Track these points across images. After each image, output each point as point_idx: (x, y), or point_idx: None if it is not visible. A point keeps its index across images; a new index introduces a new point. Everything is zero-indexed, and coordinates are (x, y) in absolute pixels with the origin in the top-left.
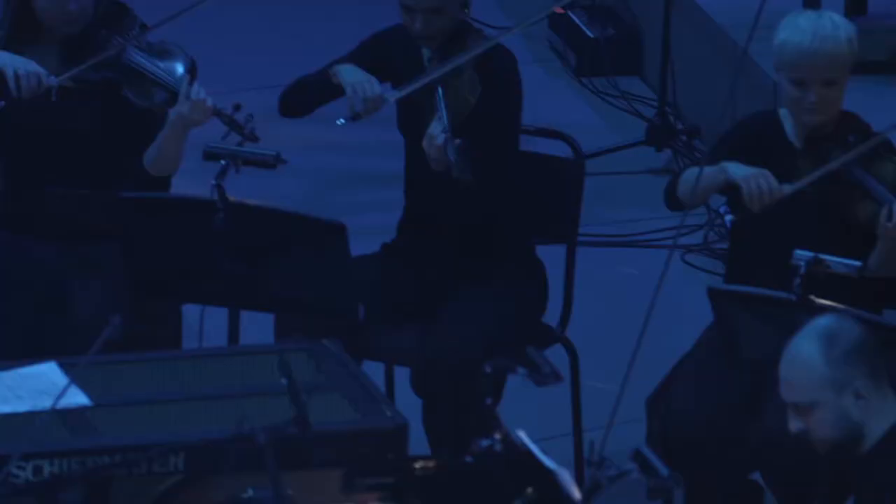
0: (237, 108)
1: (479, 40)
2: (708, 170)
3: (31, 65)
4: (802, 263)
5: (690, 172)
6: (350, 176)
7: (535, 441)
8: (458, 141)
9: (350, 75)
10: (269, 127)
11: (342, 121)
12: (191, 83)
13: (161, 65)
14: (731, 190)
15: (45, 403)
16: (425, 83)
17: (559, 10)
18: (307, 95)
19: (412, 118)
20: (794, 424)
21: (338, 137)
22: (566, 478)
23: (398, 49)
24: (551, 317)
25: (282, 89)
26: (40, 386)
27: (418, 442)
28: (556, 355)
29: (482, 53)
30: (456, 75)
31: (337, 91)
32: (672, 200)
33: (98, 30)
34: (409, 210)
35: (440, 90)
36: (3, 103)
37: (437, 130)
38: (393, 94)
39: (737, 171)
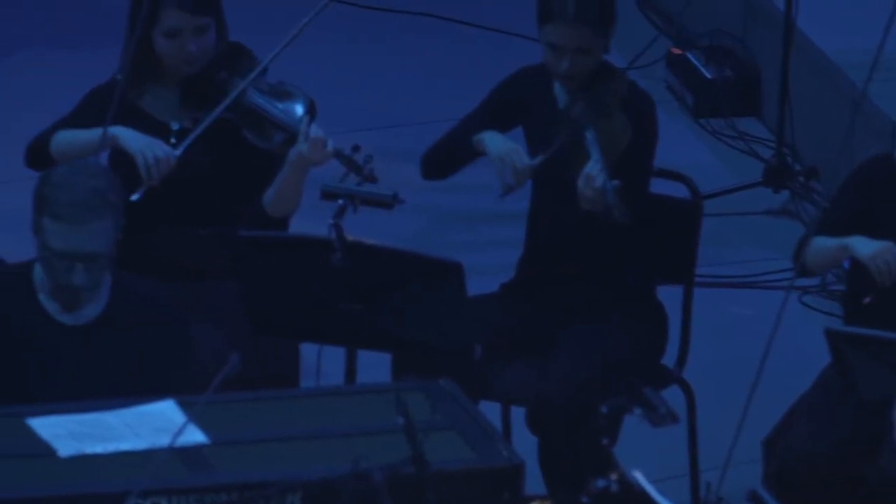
0: (356, 148)
1: (621, 81)
2: (830, 244)
3: (158, 147)
4: None
5: (817, 243)
6: (467, 215)
7: (652, 481)
8: (615, 182)
9: (496, 147)
10: (386, 166)
11: (499, 195)
12: (310, 124)
13: (280, 106)
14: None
15: (164, 441)
16: (572, 126)
17: (676, 51)
18: (450, 161)
19: (547, 159)
20: None
21: (456, 178)
22: None
23: (529, 90)
24: (667, 357)
25: (391, 126)
26: (159, 424)
27: (534, 481)
28: (672, 396)
29: (625, 95)
30: (605, 116)
31: (479, 155)
32: (799, 267)
33: (218, 71)
34: (529, 249)
35: (591, 132)
36: (138, 196)
37: (594, 171)
38: (540, 158)
39: (861, 248)
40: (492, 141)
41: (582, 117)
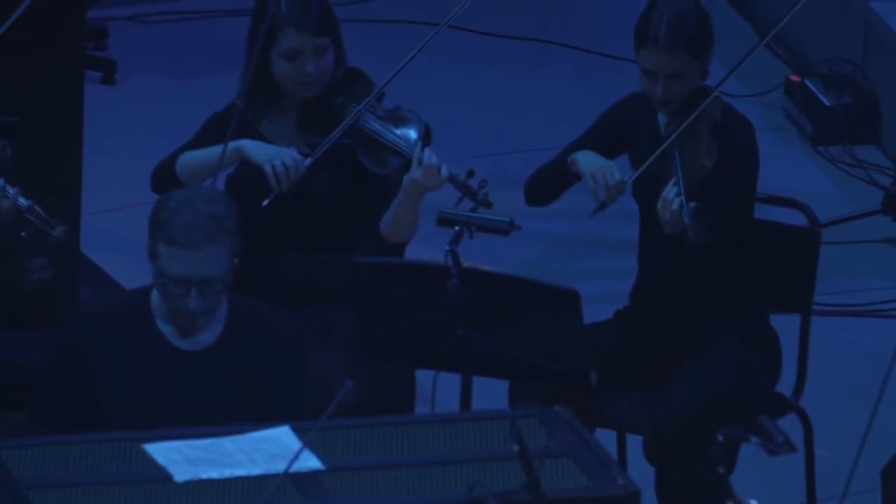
0: (471, 174)
1: (715, 106)
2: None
3: (286, 155)
4: None
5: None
6: (583, 242)
7: None
8: (692, 204)
9: (588, 164)
10: (502, 192)
11: (591, 212)
12: (424, 149)
13: (396, 131)
14: None
15: (279, 467)
16: (663, 152)
17: (795, 78)
18: (549, 186)
19: (647, 185)
20: None
21: (571, 204)
22: None
23: (633, 118)
24: (785, 386)
25: (506, 152)
26: (274, 450)
27: None
28: (789, 424)
29: (719, 119)
30: (693, 139)
31: (575, 178)
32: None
33: (335, 96)
34: (642, 276)
35: (677, 154)
36: (267, 202)
37: (672, 194)
38: (633, 175)
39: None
40: (584, 159)
41: (670, 141)
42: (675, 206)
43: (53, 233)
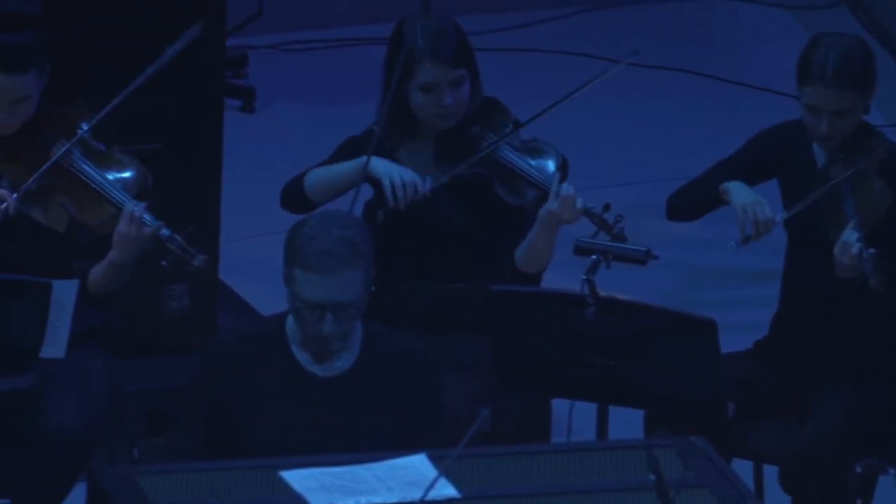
0: (607, 207)
1: (881, 143)
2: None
3: (407, 173)
4: None
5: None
6: (720, 271)
7: None
8: (872, 251)
9: (741, 197)
10: (638, 222)
11: (733, 244)
12: (561, 181)
13: (533, 162)
14: None
15: (415, 495)
16: (828, 190)
17: None
18: (695, 206)
19: (804, 219)
20: None
21: (709, 233)
22: None
23: (785, 147)
24: None
25: (644, 181)
26: (410, 477)
27: None
28: None
29: (884, 157)
30: (861, 179)
31: (723, 204)
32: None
33: (472, 126)
34: (784, 307)
35: (849, 197)
36: (382, 216)
37: (851, 239)
38: (784, 214)
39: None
40: (737, 191)
41: (839, 180)
42: (854, 250)
43: (194, 262)
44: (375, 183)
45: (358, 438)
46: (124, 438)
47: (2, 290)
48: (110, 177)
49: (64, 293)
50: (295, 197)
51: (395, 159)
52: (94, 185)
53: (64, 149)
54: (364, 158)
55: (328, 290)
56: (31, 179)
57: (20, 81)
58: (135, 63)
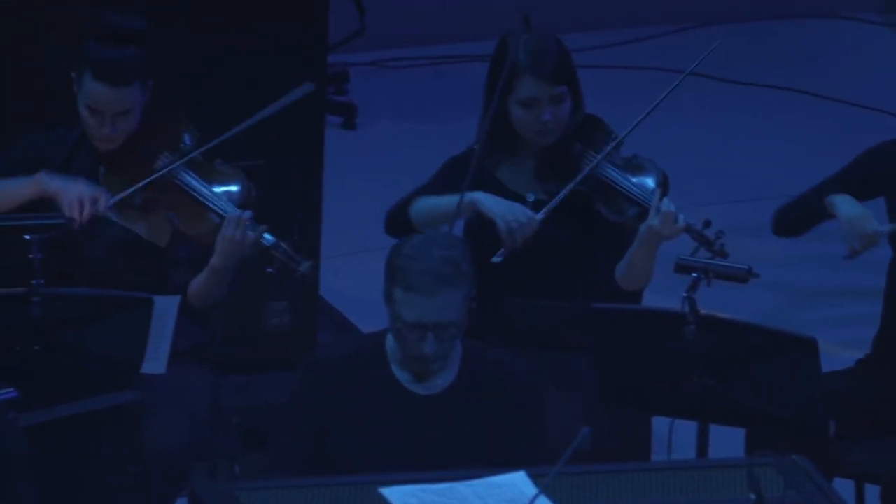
0: (707, 224)
1: None
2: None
3: (519, 210)
4: None
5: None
6: (821, 290)
7: None
8: None
9: (847, 209)
10: (739, 240)
11: (845, 256)
12: (662, 198)
13: (633, 179)
14: None
15: None
16: None
17: None
18: (800, 220)
19: None
20: None
21: (810, 252)
22: None
23: (893, 163)
24: None
25: (744, 200)
26: (509, 495)
27: None
28: None
29: None
30: None
31: (829, 217)
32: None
33: (573, 143)
34: (886, 325)
35: None
36: (500, 259)
37: None
38: (889, 227)
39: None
40: (843, 204)
41: None
42: None
43: (299, 268)
44: (484, 217)
45: (458, 456)
46: (225, 454)
47: (104, 305)
48: (215, 189)
49: (165, 309)
50: (400, 224)
51: (494, 177)
52: (198, 197)
53: (172, 165)
54: (471, 195)
55: (429, 311)
56: (133, 188)
57: (122, 94)
58: (239, 78)
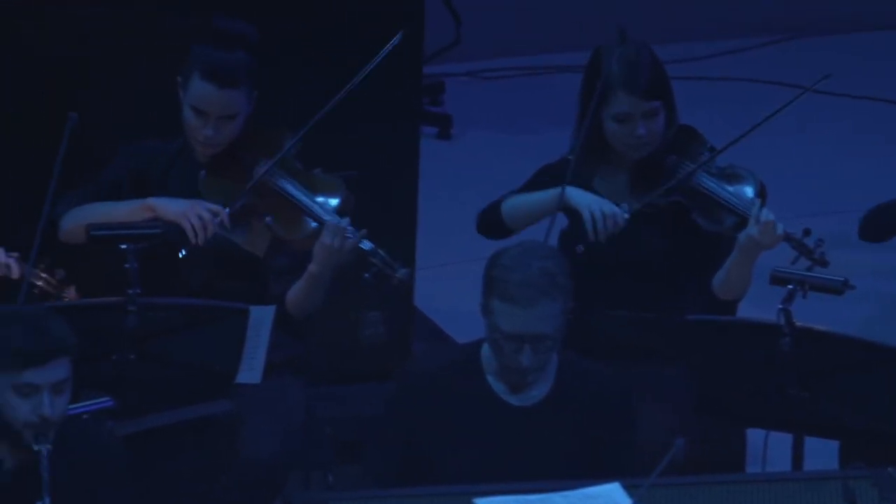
0: (807, 232)
1: None
2: None
3: (606, 205)
4: None
5: None
6: None
7: None
8: None
9: None
10: (837, 252)
11: None
12: (760, 207)
13: (730, 189)
14: None
15: None
16: None
17: None
18: (886, 225)
19: None
20: None
21: None
22: None
23: None
24: None
25: (841, 211)
26: None
27: None
28: None
29: None
30: None
31: None
32: None
33: (668, 155)
34: None
35: None
36: (581, 249)
37: None
38: None
39: None
40: None
41: None
42: None
43: (396, 274)
44: (572, 213)
45: (552, 467)
46: (319, 465)
47: (199, 315)
48: (314, 196)
49: (261, 319)
50: (492, 223)
51: (589, 187)
52: (296, 202)
53: (270, 162)
54: (560, 189)
55: (526, 322)
56: (244, 194)
57: (230, 97)
58: (335, 90)
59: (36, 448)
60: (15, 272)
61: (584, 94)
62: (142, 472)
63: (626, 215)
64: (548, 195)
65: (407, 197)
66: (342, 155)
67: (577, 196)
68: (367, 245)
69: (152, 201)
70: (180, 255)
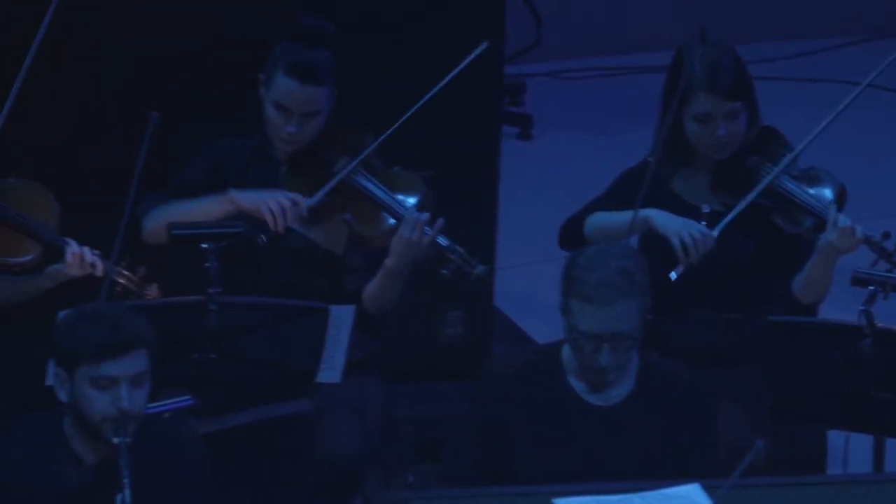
0: (886, 235)
1: None
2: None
3: (693, 227)
4: None
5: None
6: None
7: None
8: None
9: None
10: None
11: None
12: (840, 209)
13: (811, 191)
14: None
15: None
16: None
17: None
18: None
19: None
20: None
21: None
22: None
23: None
24: None
25: None
26: None
27: None
28: None
29: None
30: None
31: None
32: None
33: (750, 155)
34: None
35: None
36: (675, 275)
37: None
38: None
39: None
40: None
41: None
42: None
43: (474, 271)
44: (659, 237)
45: (632, 467)
46: (398, 463)
47: (280, 314)
48: (395, 194)
49: (341, 318)
50: (574, 240)
51: (669, 188)
52: (376, 199)
53: (354, 162)
54: (644, 213)
55: (605, 321)
56: (322, 191)
57: (313, 94)
58: (416, 91)
59: (115, 441)
60: (100, 270)
61: (666, 94)
62: (221, 470)
63: (714, 234)
64: (628, 217)
65: (487, 197)
66: (423, 154)
67: (663, 221)
68: (444, 240)
69: (232, 193)
70: (259, 241)
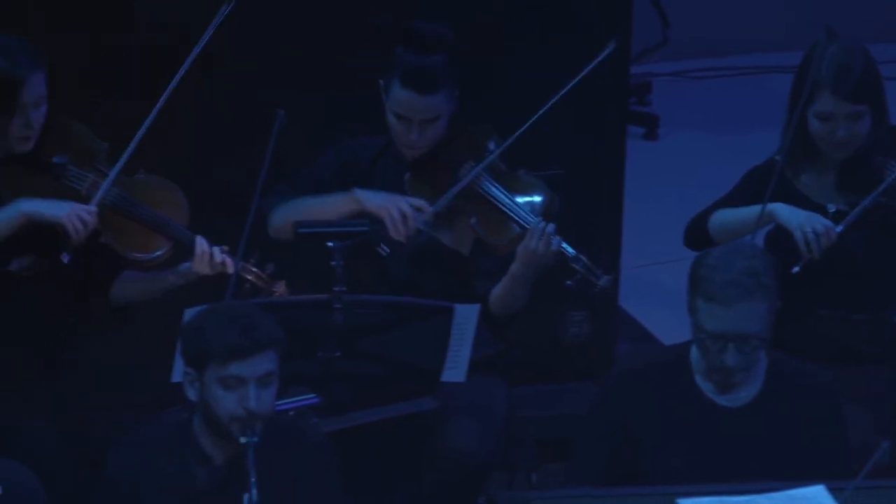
0: None
1: None
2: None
3: (818, 221)
4: None
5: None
6: None
7: None
8: None
9: None
10: None
11: None
12: None
13: None
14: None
15: None
16: None
17: None
18: None
19: None
20: None
21: None
22: None
23: None
24: None
25: None
26: None
27: None
28: None
29: None
30: None
31: None
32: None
33: (875, 155)
34: None
35: None
36: (797, 269)
37: None
38: None
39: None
40: None
41: None
42: None
43: (598, 282)
44: (783, 230)
45: (759, 468)
46: (522, 464)
47: (405, 312)
48: (518, 199)
49: (466, 317)
50: (700, 240)
51: (795, 186)
52: (501, 206)
53: (477, 168)
54: (770, 207)
55: (730, 321)
56: (445, 197)
57: (430, 102)
58: (543, 91)
59: (242, 441)
60: (230, 268)
61: (794, 92)
62: (345, 469)
63: (839, 229)
64: (752, 212)
65: (613, 197)
66: (548, 155)
67: (787, 214)
68: (570, 250)
69: (358, 193)
70: (382, 253)
